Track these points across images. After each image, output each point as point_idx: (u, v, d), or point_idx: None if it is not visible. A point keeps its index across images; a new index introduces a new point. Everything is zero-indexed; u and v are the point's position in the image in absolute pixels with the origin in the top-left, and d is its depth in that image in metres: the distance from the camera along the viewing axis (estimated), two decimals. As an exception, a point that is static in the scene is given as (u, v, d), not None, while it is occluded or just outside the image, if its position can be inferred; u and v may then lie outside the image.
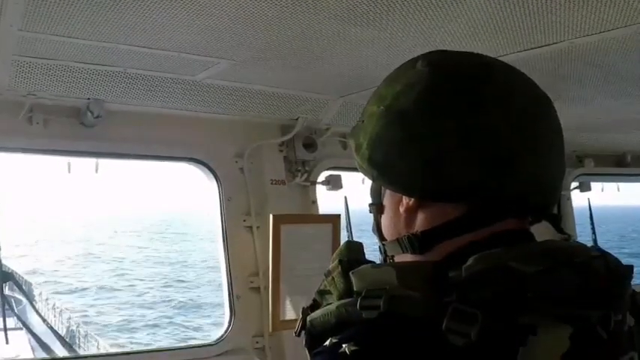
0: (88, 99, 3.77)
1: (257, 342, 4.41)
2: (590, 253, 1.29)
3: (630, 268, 1.32)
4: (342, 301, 1.30)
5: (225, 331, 4.37)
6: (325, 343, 1.23)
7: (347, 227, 4.81)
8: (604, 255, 1.29)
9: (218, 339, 4.36)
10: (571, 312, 1.17)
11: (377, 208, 1.53)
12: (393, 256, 1.46)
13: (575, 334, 1.15)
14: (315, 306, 1.39)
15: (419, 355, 1.14)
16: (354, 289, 1.28)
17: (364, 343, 1.17)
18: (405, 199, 1.38)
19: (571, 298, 1.18)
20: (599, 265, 1.25)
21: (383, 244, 1.50)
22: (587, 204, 6.67)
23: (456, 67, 1.37)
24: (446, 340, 1.11)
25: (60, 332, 28.28)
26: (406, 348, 1.15)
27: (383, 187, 1.48)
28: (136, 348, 30.88)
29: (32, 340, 26.43)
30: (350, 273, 1.31)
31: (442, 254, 1.32)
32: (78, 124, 3.91)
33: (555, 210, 1.46)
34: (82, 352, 24.83)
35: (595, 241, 6.39)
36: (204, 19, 2.67)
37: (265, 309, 4.31)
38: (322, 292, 1.42)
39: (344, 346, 1.17)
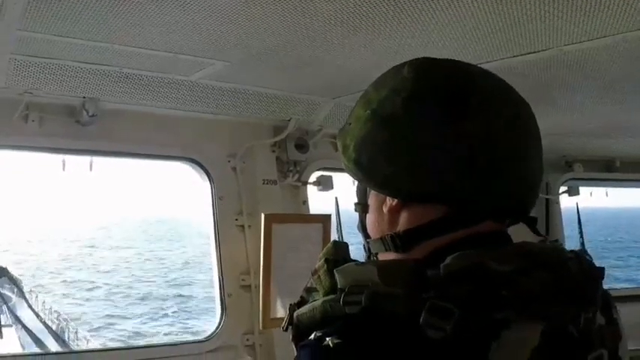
0: (84, 97, 3.80)
1: (247, 339, 4.46)
2: (564, 255, 1.35)
3: (602, 269, 1.38)
4: (327, 297, 1.35)
5: (216, 328, 4.42)
6: (310, 337, 1.28)
7: (337, 228, 4.84)
8: (578, 256, 1.35)
9: (209, 336, 4.41)
10: (543, 309, 1.23)
11: (362, 207, 1.58)
12: (376, 254, 1.51)
13: (546, 331, 1.21)
14: (302, 303, 1.44)
15: (398, 348, 1.19)
16: (338, 285, 1.33)
17: (346, 336, 1.23)
18: (388, 200, 1.43)
19: (544, 296, 1.24)
20: (572, 266, 1.31)
21: (367, 242, 1.56)
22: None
23: (441, 75, 1.42)
24: (424, 334, 1.17)
25: (47, 334, 28.22)
26: (386, 341, 1.20)
27: (368, 188, 1.53)
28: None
29: (22, 337, 26.39)
30: (334, 270, 1.36)
31: (423, 253, 1.37)
32: (73, 123, 3.94)
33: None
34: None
35: (582, 244, 6.43)
36: (199, 21, 2.72)
37: (256, 307, 4.36)
38: (309, 290, 1.47)
39: (327, 339, 1.23)
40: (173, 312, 46.50)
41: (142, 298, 51.54)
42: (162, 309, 47.31)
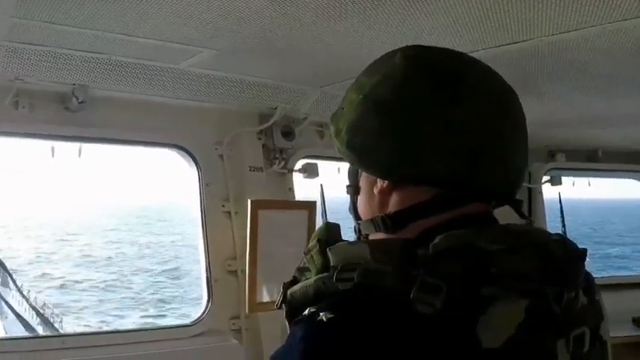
0: (74, 84, 3.83)
1: (233, 323, 4.51)
2: (549, 236, 1.42)
3: (584, 251, 1.45)
4: (320, 275, 1.40)
5: (203, 313, 4.46)
6: (304, 313, 1.33)
7: (322, 214, 4.89)
8: (562, 238, 1.42)
9: (195, 320, 4.45)
10: (529, 287, 1.29)
11: (353, 189, 1.63)
12: (367, 235, 1.57)
13: (531, 307, 1.27)
14: (294, 281, 1.48)
15: (390, 322, 1.24)
16: (331, 263, 1.38)
17: (339, 311, 1.27)
18: (379, 182, 1.49)
19: (530, 275, 1.29)
20: (556, 247, 1.37)
21: (358, 224, 1.61)
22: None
23: (431, 62, 1.47)
24: (414, 309, 1.22)
25: (34, 319, 28.06)
26: (378, 315, 1.25)
27: (359, 170, 1.58)
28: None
29: (6, 326, 26.22)
30: (327, 249, 1.41)
31: (413, 233, 1.42)
32: (62, 109, 3.96)
33: (525, 198, 1.56)
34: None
35: (565, 233, 6.48)
36: (188, 9, 2.76)
37: (242, 292, 4.41)
38: (301, 269, 1.51)
39: (321, 314, 1.27)
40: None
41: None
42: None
